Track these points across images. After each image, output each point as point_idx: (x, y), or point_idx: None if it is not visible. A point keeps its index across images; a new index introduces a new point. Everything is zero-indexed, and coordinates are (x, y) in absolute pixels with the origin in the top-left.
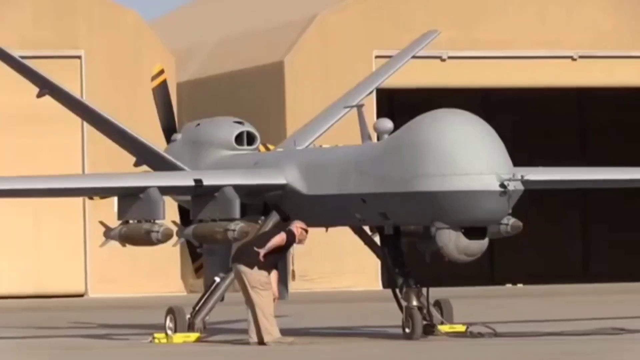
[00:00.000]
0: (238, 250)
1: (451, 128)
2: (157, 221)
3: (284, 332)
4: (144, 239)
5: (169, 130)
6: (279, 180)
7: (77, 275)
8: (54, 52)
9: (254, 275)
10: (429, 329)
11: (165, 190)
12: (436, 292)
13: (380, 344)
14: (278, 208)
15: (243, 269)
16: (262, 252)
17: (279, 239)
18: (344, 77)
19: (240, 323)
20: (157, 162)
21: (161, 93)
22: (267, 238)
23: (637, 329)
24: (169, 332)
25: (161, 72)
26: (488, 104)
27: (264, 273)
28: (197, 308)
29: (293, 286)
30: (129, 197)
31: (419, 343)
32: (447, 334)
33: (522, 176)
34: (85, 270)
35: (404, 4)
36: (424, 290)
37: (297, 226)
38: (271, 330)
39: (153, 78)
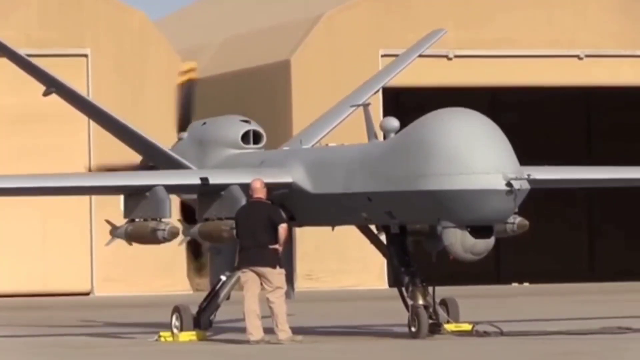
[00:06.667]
0: (249, 254)
1: (457, 127)
2: (163, 219)
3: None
4: (150, 237)
5: (181, 129)
6: (285, 179)
7: (83, 273)
8: (60, 51)
9: (281, 277)
10: (435, 328)
11: (171, 189)
12: (442, 291)
13: (386, 343)
14: (283, 207)
15: (265, 270)
16: (280, 247)
17: (284, 230)
18: (350, 76)
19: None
20: (164, 161)
21: (185, 91)
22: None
23: None
24: (175, 330)
25: (191, 70)
26: (494, 103)
27: (283, 271)
28: (203, 306)
29: (299, 285)
30: (135, 196)
31: (425, 342)
32: (453, 332)
33: (528, 175)
34: (91, 269)
35: (411, 3)
36: (430, 289)
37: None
38: (286, 328)
39: (181, 74)
